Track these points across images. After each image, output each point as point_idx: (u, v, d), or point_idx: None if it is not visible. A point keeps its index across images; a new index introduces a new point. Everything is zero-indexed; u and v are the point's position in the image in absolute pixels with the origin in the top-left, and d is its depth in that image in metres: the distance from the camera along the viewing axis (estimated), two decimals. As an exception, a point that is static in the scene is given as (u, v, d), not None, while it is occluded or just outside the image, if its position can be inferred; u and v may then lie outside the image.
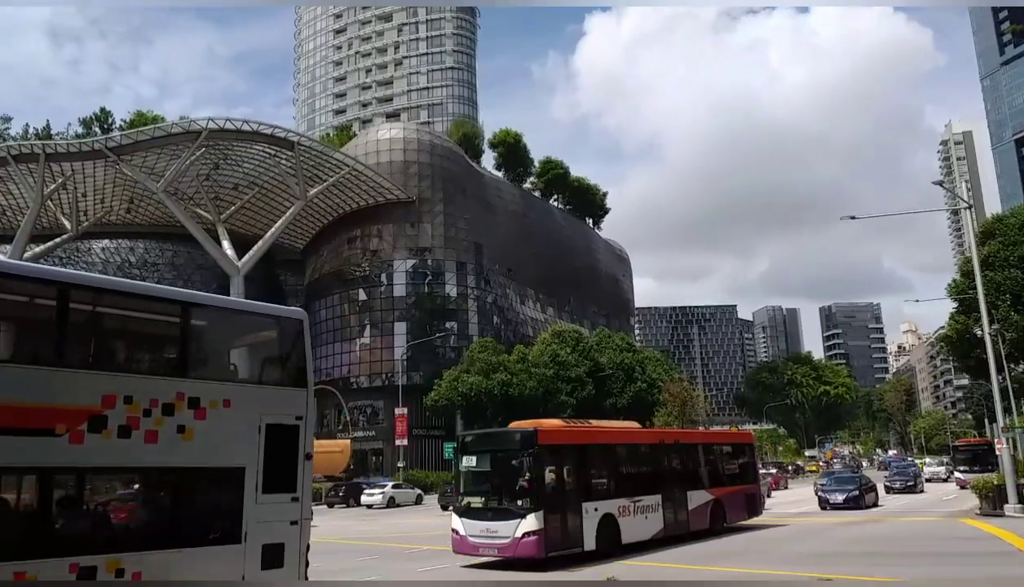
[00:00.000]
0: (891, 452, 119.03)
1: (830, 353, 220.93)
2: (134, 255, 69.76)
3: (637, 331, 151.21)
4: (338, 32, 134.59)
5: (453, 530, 16.88)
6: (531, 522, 15.68)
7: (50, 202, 62.66)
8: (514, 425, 18.91)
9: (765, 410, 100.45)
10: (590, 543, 16.82)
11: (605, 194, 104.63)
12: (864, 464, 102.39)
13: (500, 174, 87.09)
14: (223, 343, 11.19)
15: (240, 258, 61.98)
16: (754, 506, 24.14)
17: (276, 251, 71.14)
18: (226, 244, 62.50)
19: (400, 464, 51.50)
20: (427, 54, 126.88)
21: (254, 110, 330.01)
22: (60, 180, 60.82)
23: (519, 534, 15.65)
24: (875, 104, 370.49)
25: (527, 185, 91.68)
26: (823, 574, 13.54)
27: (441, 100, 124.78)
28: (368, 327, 68.96)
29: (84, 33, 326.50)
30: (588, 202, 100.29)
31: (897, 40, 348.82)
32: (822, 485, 34.02)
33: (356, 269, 70.09)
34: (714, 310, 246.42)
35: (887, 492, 39.70)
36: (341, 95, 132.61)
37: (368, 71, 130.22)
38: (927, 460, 69.51)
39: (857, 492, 31.27)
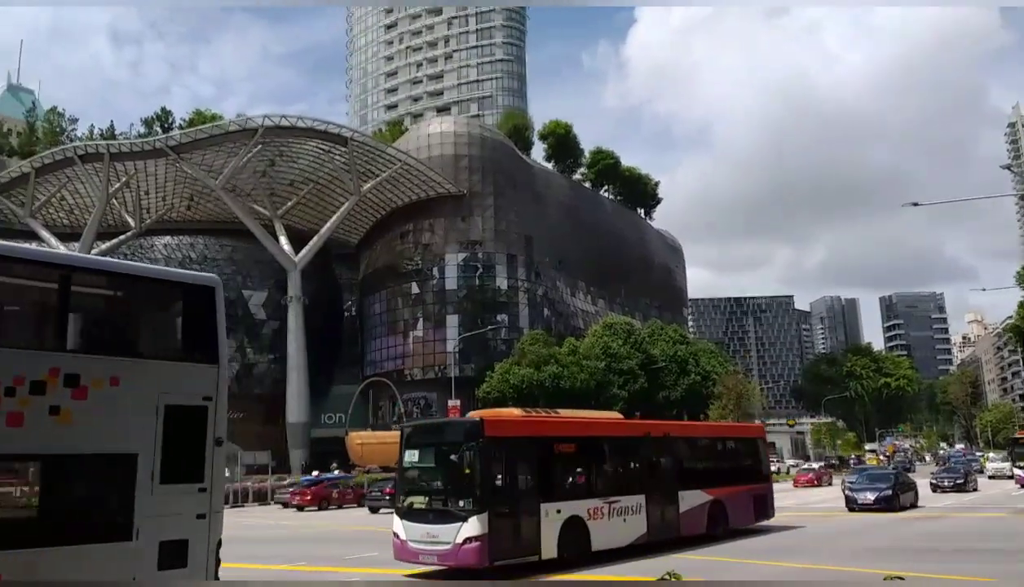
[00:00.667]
0: (958, 447, 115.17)
1: (891, 344, 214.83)
2: (194, 251, 71.70)
3: (691, 323, 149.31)
4: (389, 27, 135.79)
5: (394, 534, 15.00)
6: (473, 526, 13.73)
7: (115, 200, 64.85)
8: (475, 414, 17.20)
9: (824, 403, 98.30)
10: (550, 550, 14.79)
11: (657, 183, 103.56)
12: (927, 458, 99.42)
13: (550, 165, 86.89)
14: (113, 313, 10.02)
15: (297, 253, 63.20)
16: (764, 508, 21.73)
17: (331, 246, 72.31)
18: (283, 239, 63.80)
19: (453, 456, 51.95)
20: (477, 47, 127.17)
21: (308, 107, 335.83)
22: (124, 179, 62.87)
23: (460, 540, 13.79)
24: (937, 85, 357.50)
25: (577, 176, 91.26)
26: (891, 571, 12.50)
27: (491, 92, 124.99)
28: (421, 320, 69.67)
29: (143, 35, 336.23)
30: (639, 192, 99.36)
31: (960, 17, 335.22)
32: (850, 483, 30.67)
33: (408, 263, 70.82)
34: (770, 301, 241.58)
35: (933, 491, 36.88)
36: (392, 90, 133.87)
37: (419, 65, 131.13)
38: (990, 455, 66.56)
39: (890, 491, 27.86)
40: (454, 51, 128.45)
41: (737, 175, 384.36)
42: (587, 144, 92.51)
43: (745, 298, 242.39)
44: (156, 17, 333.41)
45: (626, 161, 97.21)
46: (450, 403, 53.88)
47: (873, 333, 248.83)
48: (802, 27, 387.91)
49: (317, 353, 66.39)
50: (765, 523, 21.55)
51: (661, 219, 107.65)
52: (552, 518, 15.00)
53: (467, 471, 14.34)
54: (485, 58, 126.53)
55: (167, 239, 71.57)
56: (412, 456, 15.74)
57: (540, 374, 59.20)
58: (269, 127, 59.30)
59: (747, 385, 70.45)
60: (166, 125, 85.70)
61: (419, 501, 15.15)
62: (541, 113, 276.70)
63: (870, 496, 27.76)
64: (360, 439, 56.78)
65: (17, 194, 64.72)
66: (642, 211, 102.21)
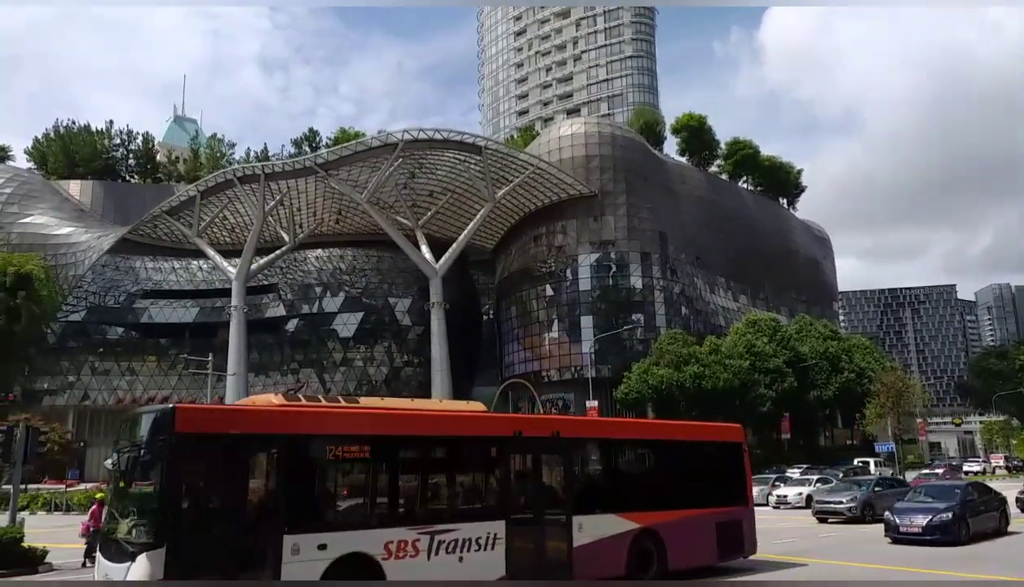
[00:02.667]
0: None
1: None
2: (343, 262, 75.65)
3: (841, 317, 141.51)
4: (518, 34, 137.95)
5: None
6: (141, 568, 9.50)
7: (271, 217, 69.57)
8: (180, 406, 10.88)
9: (994, 400, 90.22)
10: None
11: (799, 172, 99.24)
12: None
13: (684, 159, 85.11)
14: None
15: (437, 261, 65.41)
16: (735, 540, 16.14)
17: (469, 252, 74.24)
18: (424, 248, 66.21)
19: (594, 457, 51.93)
20: (606, 46, 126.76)
21: (443, 119, 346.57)
22: (278, 197, 67.40)
23: None
24: None
25: (713, 169, 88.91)
26: None
27: (621, 90, 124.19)
28: (556, 322, 70.12)
29: (290, 61, 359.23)
30: (781, 182, 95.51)
31: None
32: (897, 505, 21.93)
33: (542, 266, 71.51)
34: (929, 291, 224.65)
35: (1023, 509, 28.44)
36: (523, 96, 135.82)
37: (548, 69, 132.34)
38: None
39: (949, 515, 19.83)
40: (583, 52, 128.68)
41: (890, 158, 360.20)
42: (722, 135, 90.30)
43: (901, 289, 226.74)
44: (302, 43, 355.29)
45: (765, 150, 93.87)
46: (588, 404, 53.99)
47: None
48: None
49: (458, 356, 68.32)
50: (741, 562, 16.34)
51: (805, 209, 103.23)
52: (308, 557, 10.41)
53: (147, 486, 10.18)
54: (614, 56, 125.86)
55: (319, 252, 75.92)
56: (112, 460, 11.76)
57: (680, 374, 58.06)
58: (408, 141, 61.71)
59: (907, 381, 65.79)
60: (314, 144, 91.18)
61: (112, 526, 10.94)
62: (673, 107, 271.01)
63: (920, 520, 19.96)
64: (502, 440, 58.02)
65: (185, 216, 70.91)
66: (784, 201, 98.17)
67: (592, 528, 13.66)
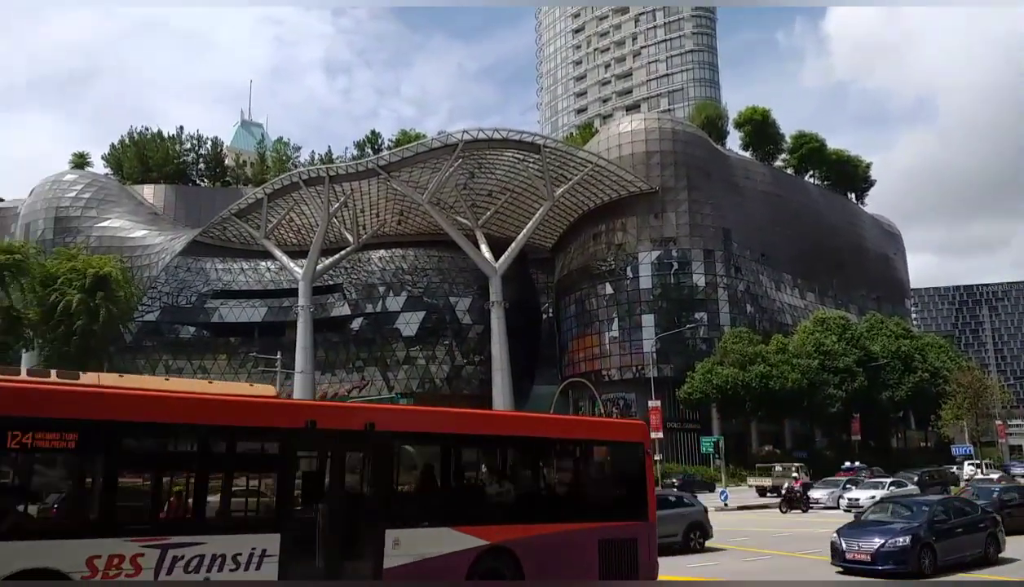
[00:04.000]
0: None
1: None
2: (405, 262, 76.65)
3: (914, 315, 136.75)
4: (576, 32, 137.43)
5: None
6: None
7: (335, 219, 70.93)
8: None
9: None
10: None
11: (869, 165, 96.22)
12: None
13: (747, 154, 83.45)
14: None
15: (496, 260, 65.68)
16: (623, 562, 13.24)
17: (528, 251, 74.32)
18: (484, 247, 66.55)
19: (657, 457, 51.37)
20: (665, 41, 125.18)
21: (502, 119, 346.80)
22: (343, 199, 68.66)
23: None
24: None
25: (778, 163, 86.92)
26: None
27: (681, 85, 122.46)
28: (616, 320, 69.59)
29: (353, 64, 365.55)
30: (849, 175, 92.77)
31: None
32: (847, 525, 18.19)
33: (601, 264, 71.05)
34: (1008, 287, 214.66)
35: None
36: (582, 94, 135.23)
37: (607, 66, 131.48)
38: None
39: (907, 539, 15.71)
40: (642, 48, 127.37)
41: (967, 148, 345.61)
42: (787, 129, 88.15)
43: (978, 285, 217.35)
44: (364, 47, 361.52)
45: (832, 143, 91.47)
46: (650, 404, 53.35)
47: None
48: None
49: (519, 355, 68.46)
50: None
51: (875, 203, 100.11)
52: None
53: None
54: (674, 51, 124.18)
55: (381, 252, 77.08)
56: None
57: (746, 374, 56.92)
58: (468, 141, 62.11)
59: (985, 382, 63.15)
60: (376, 146, 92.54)
61: None
62: (735, 101, 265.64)
63: (869, 545, 15.97)
64: (563, 439, 57.89)
65: (253, 218, 72.86)
66: (853, 195, 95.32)
67: (413, 545, 11.05)
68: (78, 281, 53.44)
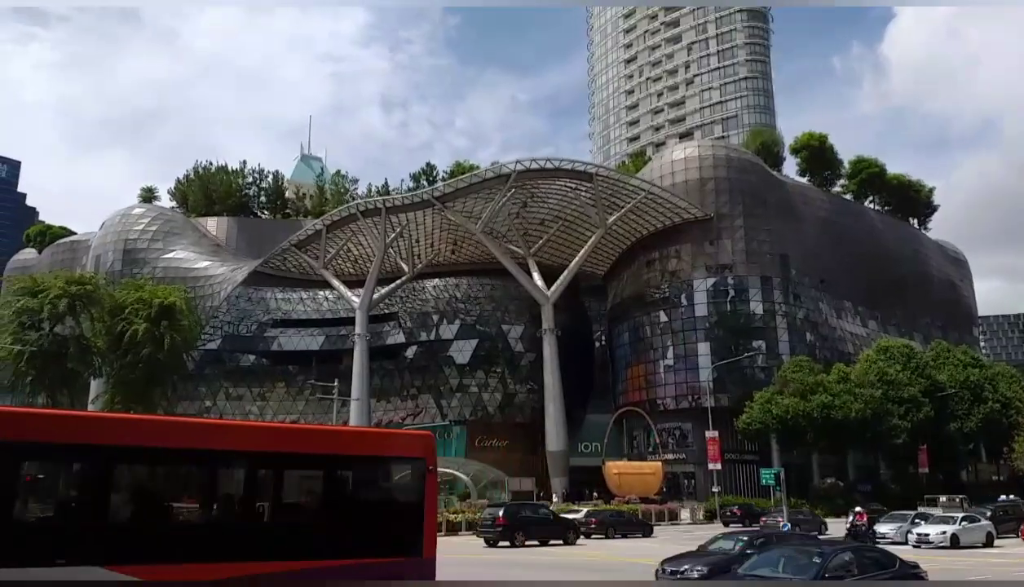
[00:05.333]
0: None
1: None
2: (459, 291, 77.29)
3: (983, 343, 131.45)
4: (628, 61, 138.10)
5: None
6: None
7: (391, 249, 72.13)
8: None
9: None
10: None
11: (931, 190, 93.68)
12: None
13: (805, 180, 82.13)
14: None
15: (549, 288, 65.74)
16: None
17: (580, 279, 74.18)
18: (536, 276, 66.73)
19: (715, 489, 50.33)
20: (719, 68, 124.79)
21: (554, 149, 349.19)
22: (398, 229, 69.84)
23: None
24: None
25: (836, 189, 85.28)
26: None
27: (735, 112, 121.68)
28: (671, 348, 68.69)
29: (409, 98, 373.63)
30: (911, 201, 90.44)
31: None
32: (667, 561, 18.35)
33: (655, 291, 70.41)
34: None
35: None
36: (634, 122, 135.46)
37: (659, 95, 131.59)
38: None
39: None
40: (695, 75, 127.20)
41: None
42: (845, 154, 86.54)
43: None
44: (419, 81, 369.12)
45: (892, 168, 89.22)
46: (707, 434, 52.43)
47: None
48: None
49: (571, 383, 68.08)
50: None
51: (939, 229, 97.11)
52: None
53: None
54: (728, 78, 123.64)
55: (435, 281, 77.93)
56: None
57: (807, 404, 55.41)
58: (520, 171, 62.68)
59: (1063, 413, 60.21)
60: (431, 178, 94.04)
61: None
62: (791, 127, 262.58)
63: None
64: (617, 469, 57.24)
65: (312, 249, 74.58)
66: (915, 221, 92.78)
67: None
68: (144, 311, 55.24)
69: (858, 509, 36.25)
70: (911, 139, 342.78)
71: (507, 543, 31.28)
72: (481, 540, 32.58)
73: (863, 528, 33.58)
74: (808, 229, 73.31)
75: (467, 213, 66.67)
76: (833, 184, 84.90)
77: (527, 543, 31.86)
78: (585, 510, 41.96)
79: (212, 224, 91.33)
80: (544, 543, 32.69)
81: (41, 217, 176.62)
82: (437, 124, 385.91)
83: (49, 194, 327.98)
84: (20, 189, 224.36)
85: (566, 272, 66.58)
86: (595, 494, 56.29)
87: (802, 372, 58.44)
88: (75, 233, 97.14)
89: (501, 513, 32.57)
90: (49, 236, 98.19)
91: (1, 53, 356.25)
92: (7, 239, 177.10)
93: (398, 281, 74.06)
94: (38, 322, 52.02)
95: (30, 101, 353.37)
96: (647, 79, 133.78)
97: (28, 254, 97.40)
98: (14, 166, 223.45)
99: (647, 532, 39.38)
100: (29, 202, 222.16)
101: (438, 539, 11.96)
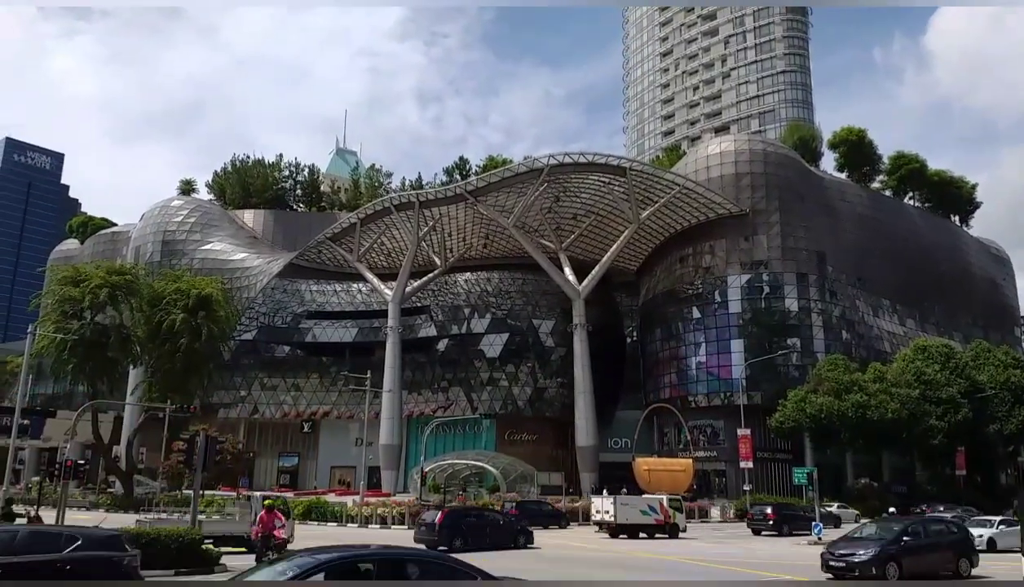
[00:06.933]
0: None
1: None
2: (490, 285, 77.45)
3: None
4: (664, 55, 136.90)
5: None
6: None
7: (424, 243, 72.56)
8: None
9: None
10: None
11: (974, 186, 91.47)
12: None
13: (843, 175, 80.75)
14: None
15: (580, 283, 65.55)
16: None
17: (612, 274, 73.89)
18: (568, 270, 66.60)
19: (747, 487, 49.84)
20: (756, 62, 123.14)
21: (588, 143, 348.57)
22: (431, 223, 70.18)
23: None
24: None
25: (875, 185, 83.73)
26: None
27: (773, 106, 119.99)
28: (704, 345, 68.07)
29: (444, 93, 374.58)
30: (952, 197, 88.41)
31: None
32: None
33: (688, 287, 69.83)
34: None
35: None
36: (669, 116, 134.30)
37: (695, 89, 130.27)
38: None
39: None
40: (732, 69, 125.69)
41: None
42: (884, 149, 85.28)
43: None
44: (455, 76, 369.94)
45: (933, 164, 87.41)
46: (740, 432, 51.88)
47: None
48: None
49: (601, 378, 67.89)
50: None
51: (981, 226, 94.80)
52: None
53: None
54: (765, 72, 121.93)
55: (467, 275, 78.20)
56: None
57: (842, 403, 54.60)
58: (553, 166, 62.56)
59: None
60: (464, 172, 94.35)
61: None
62: (830, 122, 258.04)
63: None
64: (647, 465, 56.93)
65: (346, 242, 75.34)
66: (956, 218, 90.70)
67: None
68: (182, 301, 56.18)
69: (891, 509, 35.71)
70: (953, 134, 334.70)
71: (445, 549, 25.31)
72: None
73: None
74: (846, 225, 72.10)
75: (499, 207, 66.75)
76: (872, 180, 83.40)
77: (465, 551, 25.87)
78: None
79: (249, 216, 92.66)
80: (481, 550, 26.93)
81: (83, 208, 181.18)
82: (471, 118, 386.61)
83: (91, 186, 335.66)
84: (63, 181, 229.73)
85: (598, 267, 66.34)
86: (625, 490, 56.15)
87: (837, 371, 57.59)
88: (116, 224, 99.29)
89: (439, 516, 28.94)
90: (91, 227, 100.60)
91: (46, 48, 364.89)
92: (50, 230, 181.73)
93: (430, 274, 74.46)
94: (80, 311, 53.17)
95: (73, 95, 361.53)
96: (683, 73, 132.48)
97: (70, 245, 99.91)
98: (57, 158, 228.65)
99: (564, 523, 42.48)
100: (72, 194, 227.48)
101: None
